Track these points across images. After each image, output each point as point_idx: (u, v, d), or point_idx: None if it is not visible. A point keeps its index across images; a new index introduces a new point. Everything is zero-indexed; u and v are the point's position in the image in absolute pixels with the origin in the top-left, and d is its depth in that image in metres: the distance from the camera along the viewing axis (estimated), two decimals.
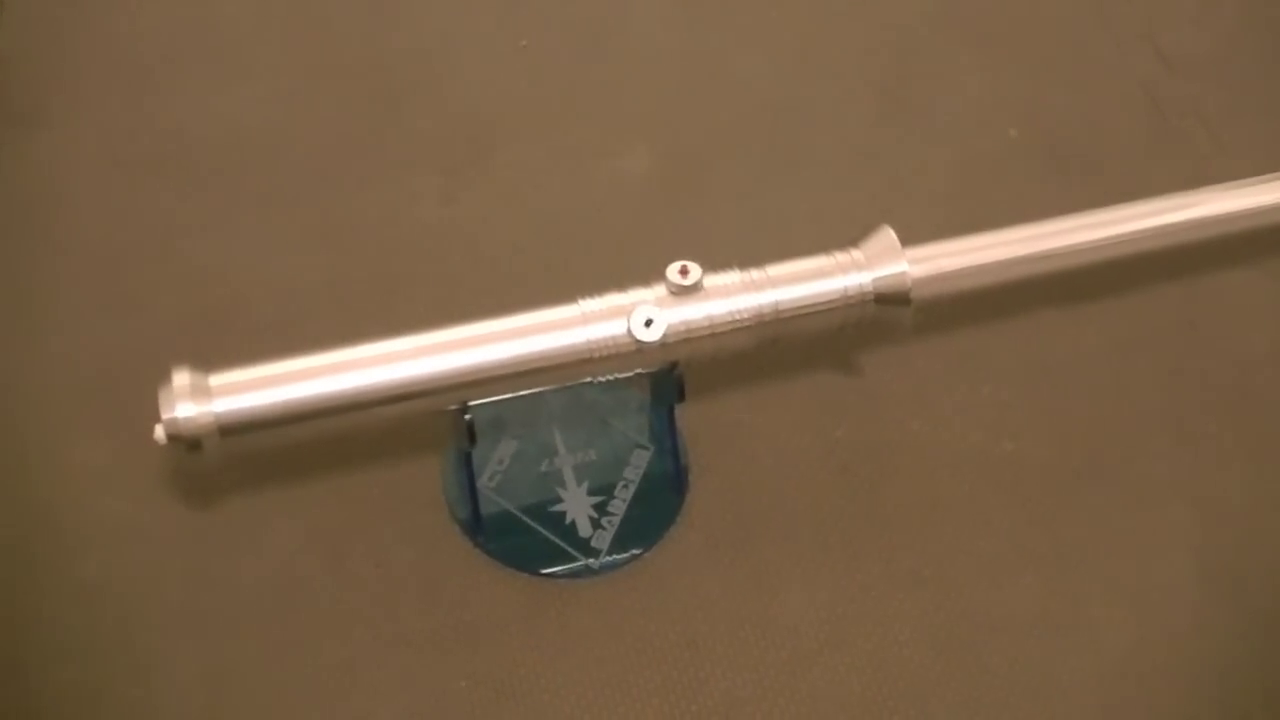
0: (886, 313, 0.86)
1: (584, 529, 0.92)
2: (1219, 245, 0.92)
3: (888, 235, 0.86)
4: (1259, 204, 0.91)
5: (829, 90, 1.20)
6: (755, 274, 0.84)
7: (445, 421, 0.85)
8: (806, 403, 0.99)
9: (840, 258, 0.85)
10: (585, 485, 0.94)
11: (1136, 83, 1.20)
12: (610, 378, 0.84)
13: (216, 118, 1.16)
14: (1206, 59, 1.22)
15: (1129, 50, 1.23)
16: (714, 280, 0.84)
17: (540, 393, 0.84)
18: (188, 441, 0.77)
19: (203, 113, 1.16)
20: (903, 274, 0.85)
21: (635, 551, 0.91)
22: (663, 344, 0.82)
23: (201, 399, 0.77)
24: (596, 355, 0.82)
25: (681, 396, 0.88)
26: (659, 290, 0.83)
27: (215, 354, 0.80)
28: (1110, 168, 1.14)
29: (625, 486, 0.94)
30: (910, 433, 0.98)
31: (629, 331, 0.82)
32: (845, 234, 0.87)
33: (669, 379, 0.87)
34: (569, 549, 0.91)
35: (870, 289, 0.85)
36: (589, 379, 0.84)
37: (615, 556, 0.91)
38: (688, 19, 1.25)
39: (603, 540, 0.91)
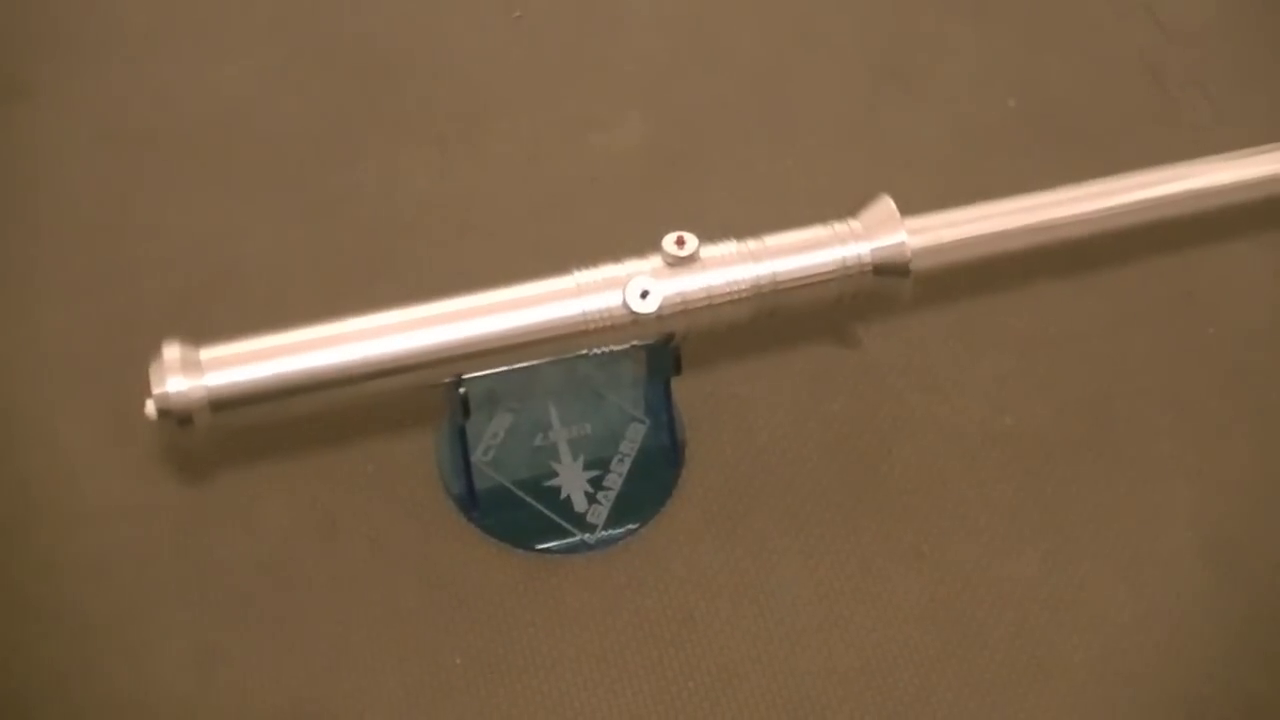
0: (885, 284, 0.85)
1: (579, 504, 0.91)
2: (1219, 216, 0.91)
3: (886, 205, 0.85)
4: (1259, 175, 0.90)
5: (825, 60, 1.19)
6: (752, 244, 0.83)
7: (439, 395, 0.84)
8: (804, 376, 0.98)
9: (838, 228, 0.84)
10: (580, 459, 0.93)
11: (1135, 52, 1.19)
12: (605, 350, 0.83)
13: (206, 90, 1.15)
14: (1205, 27, 1.21)
15: (1127, 19, 1.21)
16: (710, 251, 0.83)
17: (534, 366, 0.83)
18: (179, 416, 0.76)
19: (192, 85, 1.15)
20: (901, 244, 0.84)
21: (631, 526, 0.90)
22: (659, 315, 0.81)
23: (192, 373, 0.76)
24: (592, 327, 0.81)
25: (678, 369, 0.88)
26: (655, 261, 0.82)
27: (206, 329, 0.79)
28: (1109, 138, 1.13)
29: (621, 460, 0.93)
30: (909, 406, 0.97)
31: (624, 303, 0.81)
32: (843, 204, 0.86)
33: (665, 351, 0.86)
34: (564, 524, 0.90)
35: (869, 260, 0.84)
36: (584, 351, 0.83)
37: (611, 531, 0.90)
38: None
39: (598, 515, 0.90)
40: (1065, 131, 1.13)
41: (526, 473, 0.92)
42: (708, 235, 0.83)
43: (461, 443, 0.89)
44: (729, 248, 0.83)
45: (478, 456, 0.92)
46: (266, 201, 1.07)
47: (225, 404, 0.77)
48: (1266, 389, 0.99)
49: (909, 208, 0.85)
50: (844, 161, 1.11)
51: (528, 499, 0.91)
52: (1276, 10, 1.23)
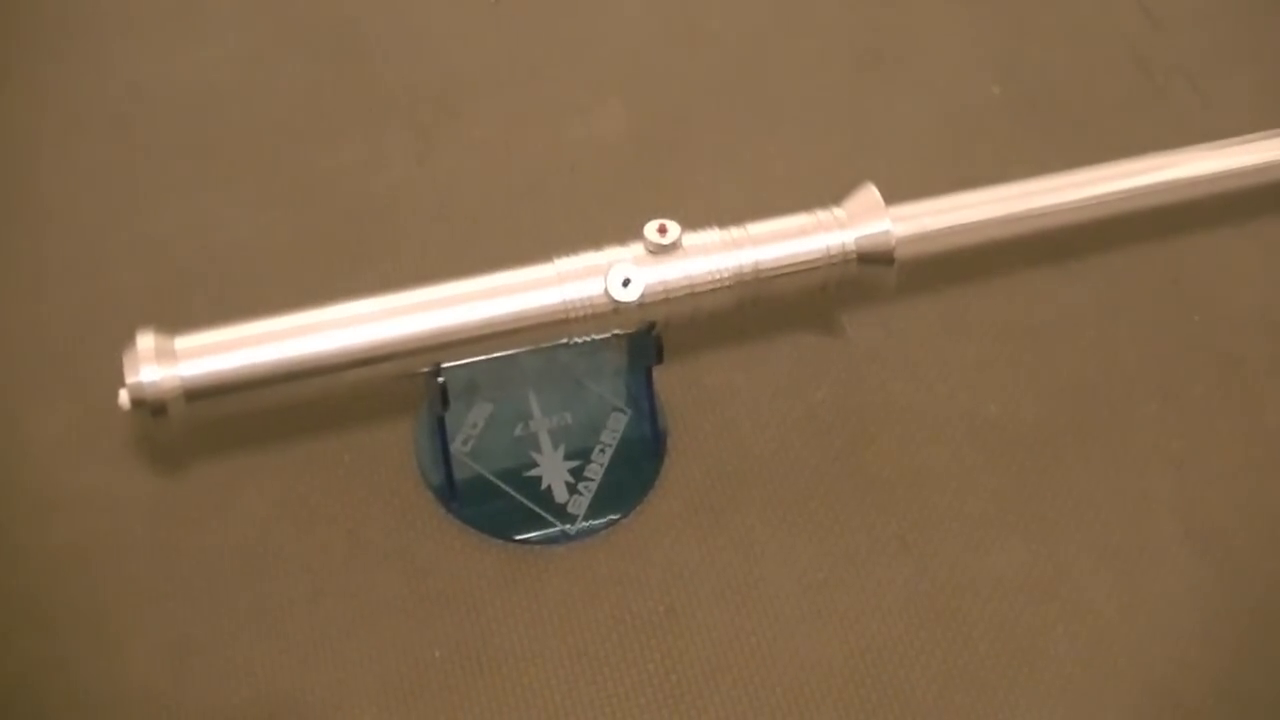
0: (869, 272, 0.84)
1: (560, 494, 0.90)
2: (1205, 205, 0.91)
3: (871, 193, 0.84)
4: (1245, 164, 0.90)
5: (809, 45, 1.18)
6: (735, 232, 0.83)
7: (418, 385, 0.83)
8: (787, 365, 0.97)
9: (822, 216, 0.84)
10: (561, 449, 0.92)
11: (1121, 39, 1.18)
12: (587, 339, 0.82)
13: (180, 76, 1.13)
14: (1191, 14, 1.20)
15: (1113, 5, 1.21)
16: (693, 239, 0.82)
17: (515, 355, 0.82)
18: (152, 407, 0.75)
19: (166, 71, 1.14)
20: (886, 233, 0.83)
21: (613, 517, 0.89)
22: (640, 304, 0.80)
23: (167, 362, 0.75)
24: (572, 316, 0.80)
25: (660, 358, 0.87)
26: (636, 249, 0.81)
27: (180, 318, 0.78)
28: (1094, 125, 1.12)
29: (602, 451, 0.92)
30: (894, 395, 0.96)
31: (606, 291, 0.80)
32: (826, 191, 0.85)
33: (647, 340, 0.85)
34: (545, 515, 0.89)
35: (853, 248, 0.83)
36: (565, 340, 0.82)
37: (592, 522, 0.89)
38: None
39: (579, 506, 0.89)
40: (1050, 118, 1.12)
41: (506, 463, 0.91)
42: (690, 222, 0.82)
43: (440, 433, 0.87)
44: (712, 235, 0.82)
45: (457, 447, 0.91)
46: (242, 188, 1.06)
47: (200, 394, 0.76)
48: (1252, 377, 0.98)
49: (893, 194, 0.84)
50: (828, 148, 1.10)
51: (508, 489, 0.90)
52: None
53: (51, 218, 1.04)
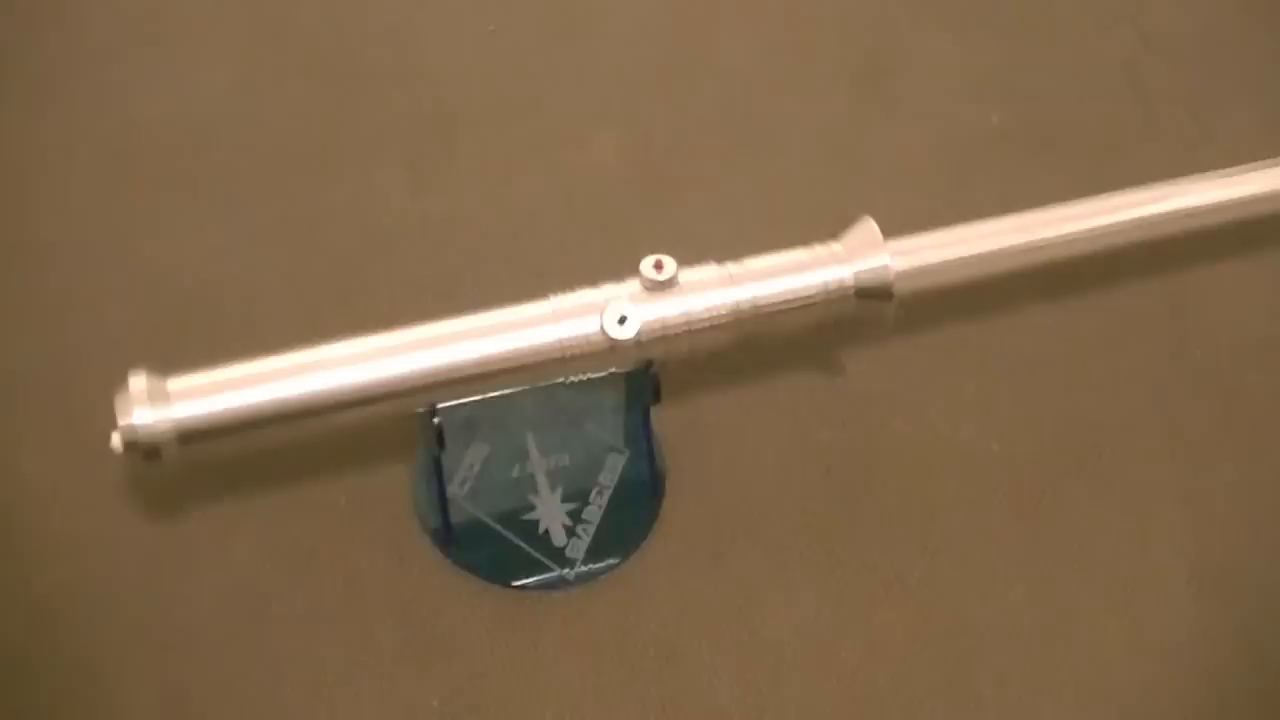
0: (868, 308, 0.83)
1: (558, 538, 0.89)
2: (1208, 235, 0.90)
3: (869, 227, 0.83)
4: (1248, 194, 0.89)
5: (806, 76, 1.17)
6: (733, 268, 0.82)
7: (414, 426, 0.82)
8: (787, 403, 0.96)
9: (820, 251, 0.83)
10: (559, 491, 0.91)
11: (1120, 69, 1.18)
12: (584, 377, 0.81)
13: (175, 108, 1.13)
14: (1190, 42, 1.20)
15: (1111, 33, 1.21)
16: (689, 275, 0.81)
17: (511, 394, 0.81)
18: (145, 450, 0.74)
19: (161, 103, 1.13)
20: (884, 268, 0.82)
21: (612, 561, 0.88)
22: (637, 342, 0.79)
23: (160, 404, 0.74)
24: (569, 354, 0.79)
25: (657, 397, 0.86)
26: (633, 286, 0.80)
27: (173, 355, 0.77)
28: (1094, 154, 1.12)
29: (600, 493, 0.91)
30: (894, 433, 0.95)
31: (602, 329, 0.79)
32: (823, 224, 0.84)
33: (644, 379, 0.84)
34: (543, 559, 0.88)
35: (851, 283, 0.82)
36: (562, 379, 0.81)
37: (591, 566, 0.88)
38: (660, 3, 1.23)
39: (578, 549, 0.88)
40: (1049, 148, 1.12)
41: (504, 505, 0.90)
42: (687, 255, 0.81)
43: (437, 475, 0.86)
44: (708, 271, 0.81)
45: (454, 488, 0.90)
46: (237, 221, 1.05)
47: (194, 436, 0.75)
48: (1256, 411, 0.98)
49: (891, 225, 0.83)
50: (825, 179, 1.10)
51: (505, 533, 0.89)
52: (1261, 25, 1.22)
53: (42, 253, 1.03)
